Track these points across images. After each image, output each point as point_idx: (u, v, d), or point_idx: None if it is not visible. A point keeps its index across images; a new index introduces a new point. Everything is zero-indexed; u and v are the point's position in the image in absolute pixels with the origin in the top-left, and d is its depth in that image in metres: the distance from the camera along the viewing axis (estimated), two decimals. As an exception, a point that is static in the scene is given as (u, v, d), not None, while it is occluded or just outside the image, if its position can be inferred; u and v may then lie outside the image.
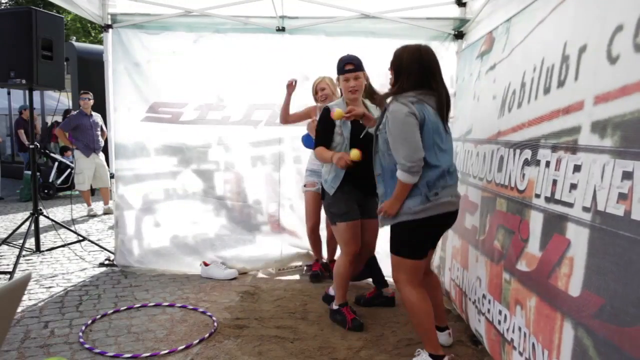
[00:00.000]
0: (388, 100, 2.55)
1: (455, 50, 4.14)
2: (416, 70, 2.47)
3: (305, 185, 4.06)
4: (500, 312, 2.43)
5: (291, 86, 3.87)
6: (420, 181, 2.43)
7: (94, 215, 6.97)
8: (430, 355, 2.50)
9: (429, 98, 2.47)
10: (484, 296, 2.66)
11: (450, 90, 4.08)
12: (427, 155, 2.42)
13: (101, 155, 6.89)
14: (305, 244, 4.31)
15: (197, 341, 2.86)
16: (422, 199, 2.44)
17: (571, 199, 1.83)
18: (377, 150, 2.61)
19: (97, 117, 6.87)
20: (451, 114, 2.69)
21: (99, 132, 6.87)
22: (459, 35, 4.11)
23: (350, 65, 2.96)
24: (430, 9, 4.00)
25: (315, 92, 3.86)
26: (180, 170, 4.41)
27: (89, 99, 6.77)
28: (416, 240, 2.52)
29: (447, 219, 2.56)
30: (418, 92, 2.45)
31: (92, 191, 7.39)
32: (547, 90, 2.15)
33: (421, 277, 2.59)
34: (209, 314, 3.29)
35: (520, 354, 2.17)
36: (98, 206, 7.24)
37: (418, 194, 2.45)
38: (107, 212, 6.98)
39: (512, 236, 2.33)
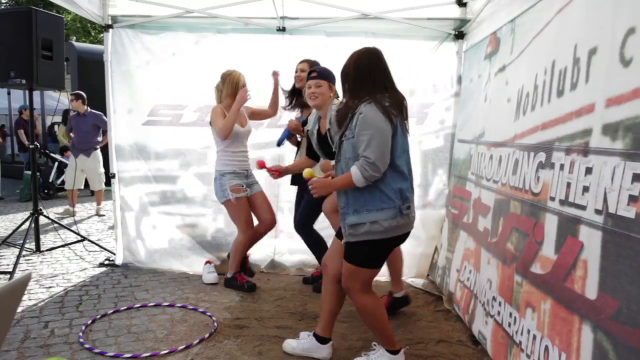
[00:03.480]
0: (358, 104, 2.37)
1: (456, 50, 4.15)
2: (370, 73, 2.39)
3: (232, 191, 3.71)
4: (510, 315, 2.42)
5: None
6: (387, 188, 2.30)
7: (71, 215, 6.79)
8: (388, 350, 2.53)
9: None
10: (494, 298, 2.65)
11: (451, 90, 4.16)
12: (399, 161, 2.33)
13: (94, 157, 6.71)
14: (304, 247, 4.29)
15: (197, 341, 2.86)
16: (395, 212, 2.30)
17: (584, 201, 1.84)
18: (340, 158, 2.45)
19: (93, 117, 6.63)
20: (461, 116, 2.65)
21: (92, 134, 6.65)
22: (460, 36, 4.11)
23: (314, 73, 3.04)
24: (430, 9, 4.01)
25: (242, 87, 3.72)
26: (181, 175, 4.42)
27: (73, 99, 6.57)
28: (382, 255, 2.45)
29: (407, 236, 2.48)
30: (382, 95, 2.34)
31: (92, 193, 7.37)
32: (560, 93, 2.17)
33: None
34: (209, 314, 3.29)
35: (528, 356, 2.16)
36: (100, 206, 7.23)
37: (391, 206, 2.30)
38: (97, 213, 7.06)
39: (526, 239, 2.32)
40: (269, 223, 3.93)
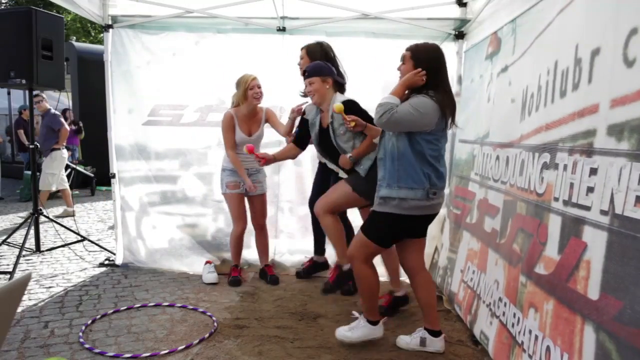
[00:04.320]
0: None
1: (456, 50, 4.15)
2: (444, 69, 2.59)
3: (227, 187, 3.83)
4: (514, 315, 2.42)
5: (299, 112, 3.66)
6: (420, 170, 2.50)
7: (70, 216, 6.66)
8: (369, 320, 2.78)
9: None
10: (500, 299, 2.65)
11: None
12: (430, 153, 2.51)
13: (50, 158, 6.42)
14: (304, 247, 4.29)
15: (197, 341, 2.86)
16: (423, 194, 2.51)
17: (588, 202, 1.83)
18: (385, 133, 2.65)
19: (48, 118, 6.41)
20: (462, 116, 2.76)
21: (47, 135, 6.39)
22: (460, 36, 4.11)
23: (305, 72, 3.22)
24: (430, 9, 4.00)
25: (250, 88, 3.68)
26: (181, 175, 4.42)
27: (38, 101, 6.44)
28: (396, 233, 2.65)
29: (430, 219, 2.67)
30: (443, 94, 2.52)
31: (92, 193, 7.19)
32: (563, 94, 2.17)
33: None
34: (209, 314, 3.29)
35: (530, 357, 2.16)
36: (99, 206, 7.18)
37: (420, 187, 2.50)
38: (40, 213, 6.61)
39: (531, 239, 2.32)
40: (257, 228, 4.06)
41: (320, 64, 3.26)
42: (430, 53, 2.56)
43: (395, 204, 2.53)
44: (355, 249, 2.69)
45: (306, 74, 3.21)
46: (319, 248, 4.14)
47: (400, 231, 2.65)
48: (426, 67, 2.52)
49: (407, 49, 2.62)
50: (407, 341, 2.82)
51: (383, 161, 2.63)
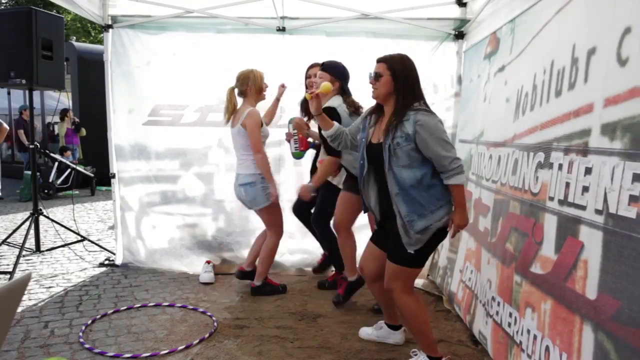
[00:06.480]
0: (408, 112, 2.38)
1: (456, 50, 4.15)
2: (417, 79, 2.46)
3: (270, 198, 3.53)
4: (510, 315, 2.42)
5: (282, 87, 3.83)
6: (436, 187, 2.39)
7: None
8: (429, 357, 2.51)
9: None
10: (493, 298, 2.65)
11: (451, 91, 4.16)
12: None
13: None
14: (304, 247, 4.29)
15: (197, 341, 2.86)
16: (450, 207, 2.42)
17: (583, 201, 1.83)
18: (392, 166, 2.37)
19: None
20: (462, 117, 2.72)
21: None
22: (460, 36, 4.11)
23: (323, 65, 3.31)
24: (430, 9, 4.01)
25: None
26: (181, 175, 4.42)
27: None
28: (430, 250, 2.50)
29: None
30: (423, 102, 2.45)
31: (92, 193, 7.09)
32: (558, 93, 2.17)
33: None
34: (209, 314, 3.29)
35: (529, 356, 2.16)
36: (99, 206, 7.17)
37: (446, 202, 2.41)
38: None
39: (526, 239, 2.32)
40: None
41: (338, 65, 3.26)
42: (405, 63, 2.43)
43: (433, 228, 2.37)
44: (393, 281, 2.48)
45: (323, 66, 3.23)
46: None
47: (433, 248, 2.53)
48: (404, 78, 2.40)
49: (380, 60, 2.46)
50: (368, 332, 2.95)
51: (400, 196, 2.37)
